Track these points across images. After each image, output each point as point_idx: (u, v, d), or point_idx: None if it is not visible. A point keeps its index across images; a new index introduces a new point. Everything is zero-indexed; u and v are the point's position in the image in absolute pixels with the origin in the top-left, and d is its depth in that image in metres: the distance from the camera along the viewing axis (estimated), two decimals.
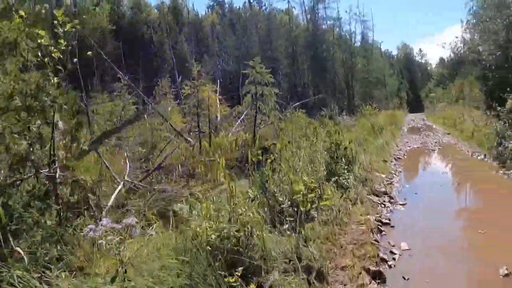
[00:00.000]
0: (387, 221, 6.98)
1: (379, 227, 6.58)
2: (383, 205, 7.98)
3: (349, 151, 9.60)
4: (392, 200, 8.34)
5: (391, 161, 12.79)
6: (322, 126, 12.97)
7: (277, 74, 41.44)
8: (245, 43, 42.84)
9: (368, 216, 6.79)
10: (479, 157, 13.25)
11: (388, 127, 21.37)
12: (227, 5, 54.89)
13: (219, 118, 14.45)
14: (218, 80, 21.50)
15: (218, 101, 15.13)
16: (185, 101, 14.04)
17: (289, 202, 5.30)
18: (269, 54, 39.90)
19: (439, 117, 31.30)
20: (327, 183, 7.11)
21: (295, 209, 5.09)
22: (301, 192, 5.05)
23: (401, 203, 8.18)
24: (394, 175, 10.84)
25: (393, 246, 5.77)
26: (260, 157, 6.22)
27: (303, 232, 4.76)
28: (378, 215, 7.18)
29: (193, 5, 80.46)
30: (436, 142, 18.01)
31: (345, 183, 8.00)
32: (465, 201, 8.50)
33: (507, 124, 11.85)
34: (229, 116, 16.44)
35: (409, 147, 16.65)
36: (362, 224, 6.42)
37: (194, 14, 53.04)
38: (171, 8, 46.37)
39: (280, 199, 5.43)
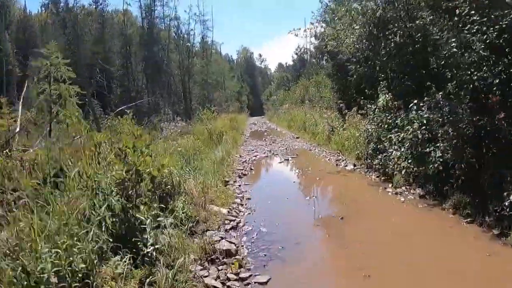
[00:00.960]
0: None
1: None
2: None
3: (167, 177, 5.52)
4: (243, 273, 4.32)
5: (235, 181, 9.03)
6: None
7: (110, 78, 36.27)
8: (75, 43, 37.86)
9: None
10: (347, 167, 10.43)
11: (229, 132, 17.99)
12: (62, 4, 47.07)
13: (17, 128, 9.94)
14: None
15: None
16: None
17: None
18: (102, 54, 36.40)
19: (282, 120, 29.73)
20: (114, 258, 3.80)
21: None
22: None
23: (261, 279, 4.21)
24: (241, 207, 6.99)
25: None
26: None
27: None
28: None
29: (25, 2, 69.61)
30: (286, 149, 15.14)
31: (151, 252, 3.85)
32: (368, 256, 4.91)
33: (385, 126, 9.11)
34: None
35: (256, 156, 13.29)
36: None
37: (23, 12, 48.82)
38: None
39: None
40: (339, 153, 12.49)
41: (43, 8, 49.67)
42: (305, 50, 18.36)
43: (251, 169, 10.88)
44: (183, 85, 34.49)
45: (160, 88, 34.73)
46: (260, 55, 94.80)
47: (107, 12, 41.56)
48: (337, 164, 10.94)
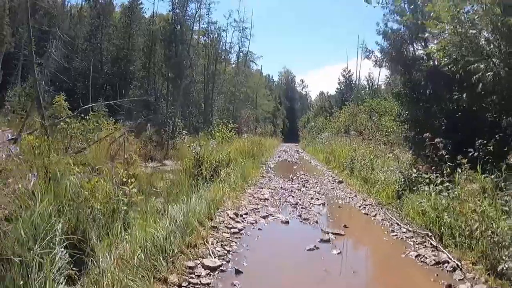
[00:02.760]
0: None
1: None
2: None
3: None
4: None
5: None
6: None
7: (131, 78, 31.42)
8: (97, 35, 34.16)
9: None
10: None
11: (240, 161, 11.91)
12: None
13: None
14: None
15: None
16: None
17: None
18: (125, 52, 32.34)
19: (319, 151, 23.34)
20: None
21: None
22: None
23: None
24: None
25: None
26: None
27: None
28: None
29: None
30: (324, 204, 8.75)
31: None
32: None
33: None
34: None
35: (264, 219, 6.92)
36: None
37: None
38: None
39: None
40: (430, 238, 5.99)
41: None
42: (367, 53, 12.31)
43: (237, 272, 4.44)
44: (205, 94, 28.36)
45: (177, 94, 29.00)
46: (302, 81, 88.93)
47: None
48: (451, 286, 4.40)
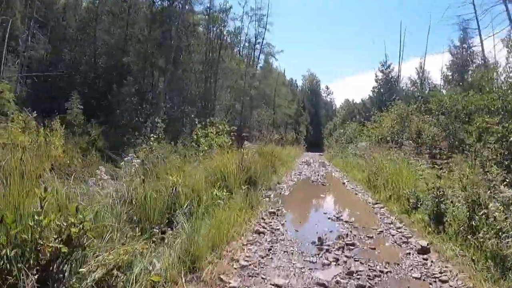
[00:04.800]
0: None
1: None
2: None
3: None
4: None
5: None
6: None
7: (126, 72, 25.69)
8: (91, 24, 28.76)
9: None
10: None
11: (215, 197, 5.25)
12: None
13: None
14: None
15: None
16: None
17: None
18: (122, 42, 26.63)
19: (355, 167, 16.61)
20: None
21: None
22: None
23: None
24: None
25: None
26: None
27: None
28: None
29: None
30: None
31: None
32: None
33: None
34: None
35: None
36: None
37: None
38: None
39: None
40: None
41: None
42: None
43: None
44: (205, 88, 21.57)
45: (167, 86, 22.59)
46: (327, 87, 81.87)
47: None
48: None
